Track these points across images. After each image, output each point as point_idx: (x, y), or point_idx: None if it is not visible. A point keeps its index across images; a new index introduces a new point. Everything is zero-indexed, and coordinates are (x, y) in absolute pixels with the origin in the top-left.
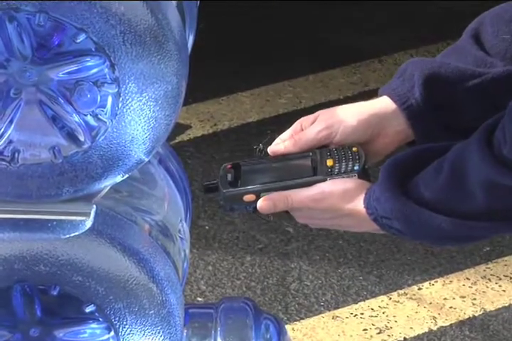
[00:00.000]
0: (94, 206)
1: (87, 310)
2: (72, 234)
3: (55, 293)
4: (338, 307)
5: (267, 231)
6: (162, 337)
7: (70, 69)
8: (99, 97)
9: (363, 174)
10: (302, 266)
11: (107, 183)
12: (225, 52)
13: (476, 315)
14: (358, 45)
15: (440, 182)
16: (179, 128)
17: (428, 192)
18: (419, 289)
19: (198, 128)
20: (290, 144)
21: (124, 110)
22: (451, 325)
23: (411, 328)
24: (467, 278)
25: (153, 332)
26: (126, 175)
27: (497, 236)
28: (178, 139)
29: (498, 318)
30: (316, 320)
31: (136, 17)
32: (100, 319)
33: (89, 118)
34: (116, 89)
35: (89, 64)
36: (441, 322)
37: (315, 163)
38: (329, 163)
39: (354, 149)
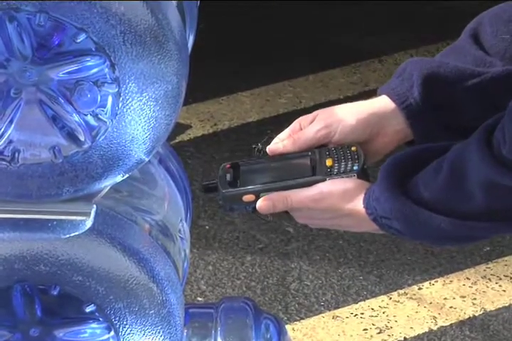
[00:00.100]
0: (95, 206)
1: (87, 309)
2: (73, 234)
3: (55, 292)
4: (338, 307)
5: (267, 231)
6: (162, 337)
7: (70, 69)
8: (99, 97)
9: (362, 174)
10: (302, 265)
11: (107, 183)
12: (225, 52)
13: (477, 314)
14: (358, 45)
15: (440, 182)
16: (179, 128)
17: (427, 192)
18: (420, 289)
19: (198, 128)
20: (289, 143)
21: (124, 110)
22: (451, 324)
23: (411, 328)
24: (467, 278)
25: (154, 331)
26: (127, 175)
27: (497, 236)
28: (178, 139)
29: (498, 318)
30: (316, 320)
31: (137, 17)
32: (100, 319)
33: (90, 118)
34: (117, 89)
35: (89, 64)
36: (442, 322)
37: (314, 162)
38: (328, 162)
39: (353, 149)
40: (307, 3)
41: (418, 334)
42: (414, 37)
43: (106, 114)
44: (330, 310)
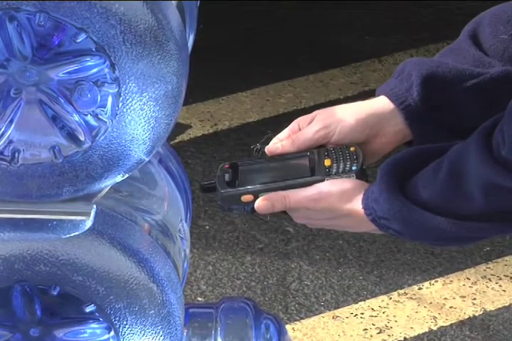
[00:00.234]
0: (95, 206)
1: (87, 309)
2: (73, 234)
3: (55, 292)
4: (338, 307)
5: (267, 231)
6: (162, 337)
7: (70, 69)
8: (99, 97)
9: (361, 174)
10: (302, 265)
11: (107, 183)
12: (225, 52)
13: (477, 314)
14: (358, 45)
15: (439, 183)
16: (179, 128)
17: (426, 193)
18: (420, 289)
19: (199, 128)
20: (287, 144)
21: (125, 110)
22: (451, 324)
23: (411, 328)
24: (467, 278)
25: (154, 331)
26: (127, 175)
27: (497, 237)
28: (178, 139)
29: (498, 318)
30: (316, 320)
31: (137, 17)
32: (100, 319)
33: (90, 118)
34: (117, 89)
35: (89, 64)
36: (442, 322)
37: (313, 163)
38: (327, 163)
39: (352, 149)
40: (307, 3)
41: (418, 334)
42: (414, 37)
43: (106, 114)
44: (330, 310)
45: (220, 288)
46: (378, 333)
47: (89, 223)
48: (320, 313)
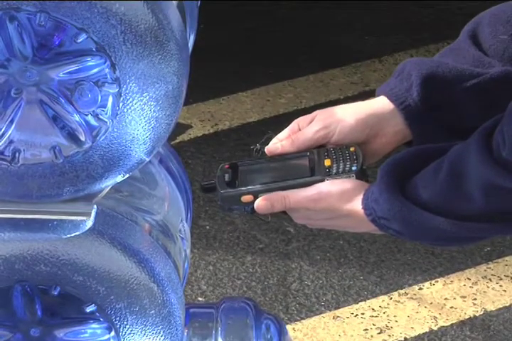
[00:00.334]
0: (95, 206)
1: (88, 310)
2: (73, 234)
3: (55, 292)
4: (338, 307)
5: (267, 231)
6: (163, 337)
7: (70, 69)
8: (99, 97)
9: (361, 174)
10: (303, 265)
11: (107, 183)
12: (225, 52)
13: (477, 315)
14: (358, 45)
15: (439, 183)
16: (180, 128)
17: (426, 194)
18: (420, 289)
19: (199, 128)
20: (287, 144)
21: (125, 110)
22: (451, 324)
23: (412, 328)
24: (468, 278)
25: (154, 331)
26: (127, 175)
27: (497, 237)
28: (178, 139)
29: (498, 318)
30: (317, 320)
31: (137, 17)
32: (101, 319)
33: (90, 118)
34: (117, 89)
35: (89, 64)
36: (442, 322)
37: (312, 163)
38: (327, 163)
39: (352, 149)
40: (307, 3)
41: (419, 335)
42: (414, 37)
43: (106, 114)
44: (330, 310)
45: (220, 288)
46: (379, 333)
47: (89, 223)
48: (320, 313)
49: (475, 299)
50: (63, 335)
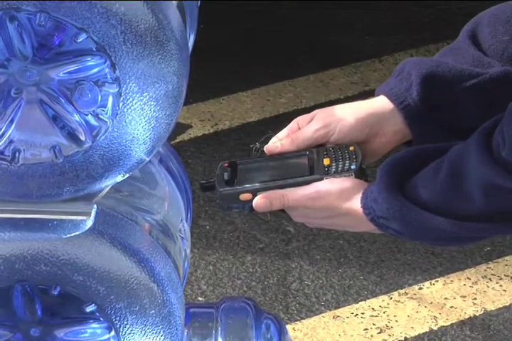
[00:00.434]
0: (95, 206)
1: (88, 309)
2: (73, 234)
3: (55, 292)
4: (338, 307)
5: (267, 231)
6: (163, 337)
7: (70, 69)
8: (99, 97)
9: (360, 173)
10: (303, 265)
11: (107, 183)
12: (225, 52)
13: (477, 314)
14: (358, 45)
15: (439, 183)
16: (180, 128)
17: (426, 193)
18: (420, 289)
19: (199, 128)
20: (287, 143)
21: (125, 110)
22: (451, 324)
23: (412, 328)
24: (468, 278)
25: (154, 331)
26: (127, 175)
27: (497, 237)
28: (178, 139)
29: (498, 318)
30: (317, 320)
31: (137, 17)
32: (101, 319)
33: (90, 118)
34: (117, 89)
35: (89, 63)
36: (442, 322)
37: (312, 162)
38: (326, 162)
39: (351, 148)
40: (307, 3)
41: (419, 334)
42: (414, 37)
43: (106, 113)
44: (330, 310)
45: (220, 287)
46: (379, 333)
47: (89, 223)
48: (320, 313)
49: (475, 299)
50: (63, 335)
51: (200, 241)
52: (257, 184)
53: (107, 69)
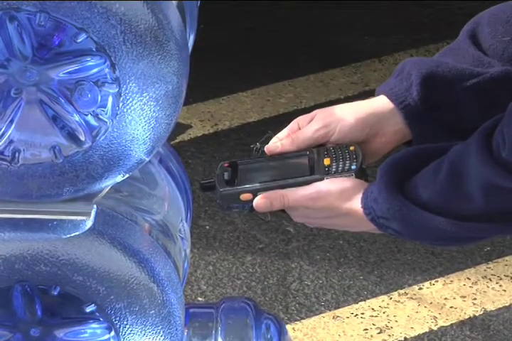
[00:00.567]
0: (95, 206)
1: (88, 309)
2: (73, 234)
3: (55, 292)
4: (338, 307)
5: (267, 231)
6: (163, 337)
7: (70, 69)
8: (99, 97)
9: (360, 173)
10: (303, 265)
11: (107, 183)
12: (225, 52)
13: (477, 314)
14: (358, 45)
15: (439, 183)
16: (180, 128)
17: (426, 193)
18: (420, 289)
19: (199, 128)
20: (287, 143)
21: (125, 110)
22: (451, 324)
23: (411, 328)
24: (468, 278)
25: (154, 331)
26: (127, 175)
27: (497, 237)
28: (178, 139)
29: (498, 318)
30: (317, 320)
31: (137, 17)
32: (101, 319)
33: (90, 118)
34: (117, 89)
35: (89, 64)
36: (442, 322)
37: (312, 162)
38: (326, 162)
39: (351, 148)
40: (307, 3)
41: (418, 334)
42: (414, 37)
43: (106, 113)
44: (330, 310)
45: (220, 288)
46: (379, 333)
47: (89, 223)
48: (320, 313)
49: (475, 299)
50: (63, 335)
51: (200, 242)
52: (258, 184)
53: (106, 70)
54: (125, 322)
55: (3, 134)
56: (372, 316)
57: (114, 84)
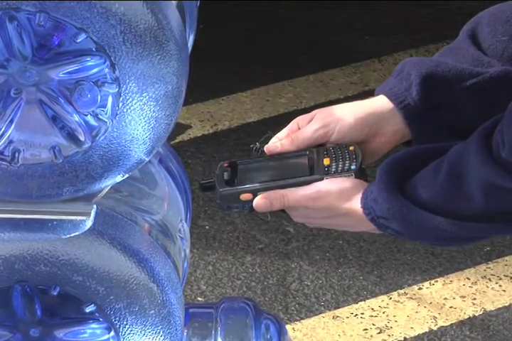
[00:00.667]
0: (95, 206)
1: (88, 310)
2: (73, 234)
3: (55, 293)
4: (338, 307)
5: (267, 231)
6: (162, 337)
7: (70, 69)
8: (99, 97)
9: (360, 173)
10: (302, 265)
11: (107, 183)
12: (225, 52)
13: (477, 314)
14: (358, 45)
15: (438, 183)
16: (179, 128)
17: (426, 193)
18: (420, 289)
19: (199, 128)
20: (287, 143)
21: (125, 110)
22: (451, 324)
23: (411, 328)
24: (467, 278)
25: (154, 332)
26: (127, 175)
27: (497, 237)
28: (178, 139)
29: (498, 318)
30: (317, 320)
31: (137, 17)
32: (100, 319)
33: (90, 118)
34: (117, 89)
35: (89, 64)
36: (442, 322)
37: (312, 161)
38: (326, 162)
39: (351, 148)
40: (307, 3)
41: (418, 334)
42: (414, 37)
43: (106, 114)
44: (330, 310)
45: (220, 288)
46: (378, 333)
47: (89, 223)
48: (320, 313)
49: (474, 299)
50: (63, 335)
51: (200, 242)
52: (257, 184)
53: (106, 70)
54: (125, 322)
55: (3, 134)
56: (372, 316)
57: (113, 84)
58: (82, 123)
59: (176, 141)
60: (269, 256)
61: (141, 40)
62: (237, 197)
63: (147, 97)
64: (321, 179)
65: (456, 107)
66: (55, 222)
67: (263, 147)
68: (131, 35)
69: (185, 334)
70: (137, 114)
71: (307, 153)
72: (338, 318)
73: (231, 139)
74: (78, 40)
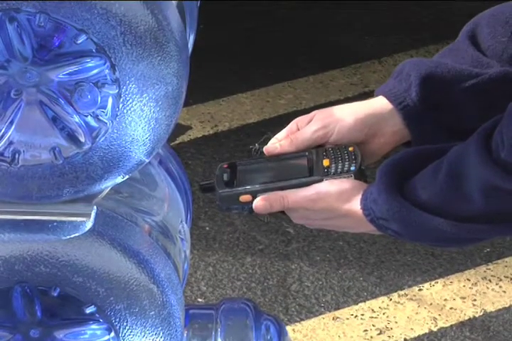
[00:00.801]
0: (95, 207)
1: (88, 311)
2: (73, 235)
3: (55, 294)
4: (338, 308)
5: (267, 232)
6: (162, 338)
7: (70, 70)
8: (99, 98)
9: (359, 174)
10: (303, 266)
11: (107, 184)
12: (225, 53)
13: (477, 316)
14: (358, 46)
15: (438, 184)
16: (180, 129)
17: (425, 194)
18: (420, 290)
19: (199, 129)
20: (286, 144)
21: (125, 111)
22: (451, 325)
23: (411, 329)
24: (467, 279)
25: (154, 333)
26: (127, 176)
27: (497, 238)
28: (178, 140)
29: (498, 319)
30: (317, 321)
31: (137, 18)
32: (101, 320)
33: (90, 119)
34: (117, 90)
35: (89, 65)
36: (442, 323)
37: (311, 163)
38: (325, 163)
39: (350, 149)
40: (307, 3)
41: (418, 335)
42: (414, 38)
43: (106, 115)
44: (330, 311)
45: (220, 289)
46: (378, 334)
47: (89, 224)
48: (320, 314)
49: (475, 300)
50: (63, 336)
51: (200, 243)
52: (257, 185)
53: (106, 71)
54: (125, 324)
55: (3, 135)
56: (372, 317)
57: (114, 85)
58: (83, 124)
59: (176, 142)
60: (269, 257)
61: (142, 41)
62: (236, 199)
63: (147, 98)
64: (321, 180)
65: (456, 108)
66: (55, 223)
67: (262, 148)
68: (131, 36)
69: (185, 335)
70: (137, 115)
71: (306, 154)
72: (338, 319)
73: (231, 140)
74: (78, 41)
